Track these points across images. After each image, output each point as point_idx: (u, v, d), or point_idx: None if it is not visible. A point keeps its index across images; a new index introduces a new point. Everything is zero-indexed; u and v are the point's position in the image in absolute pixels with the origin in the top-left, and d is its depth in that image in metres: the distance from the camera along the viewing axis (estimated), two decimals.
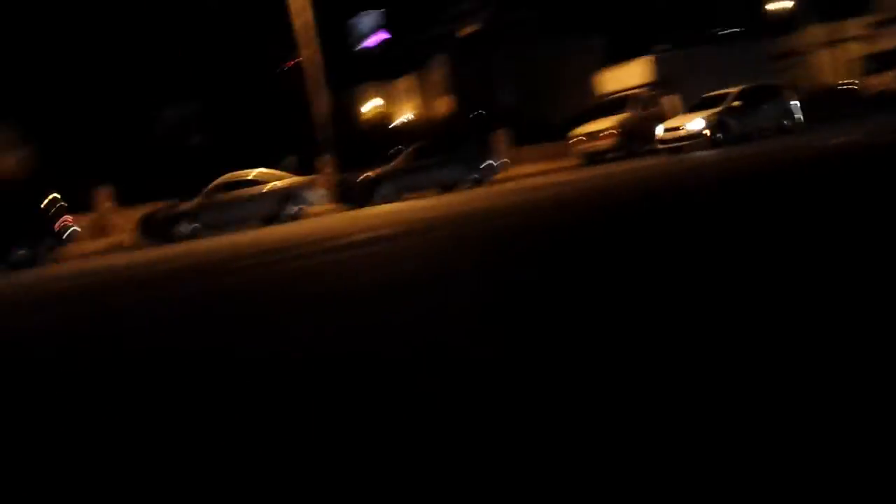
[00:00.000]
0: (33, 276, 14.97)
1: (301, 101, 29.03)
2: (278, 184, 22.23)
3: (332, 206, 23.99)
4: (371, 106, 46.47)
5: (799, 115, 24.73)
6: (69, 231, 18.67)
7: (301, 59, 28.19)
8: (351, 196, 23.54)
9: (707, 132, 22.61)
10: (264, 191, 21.87)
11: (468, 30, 45.02)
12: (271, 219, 21.61)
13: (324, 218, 21.14)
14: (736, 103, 23.35)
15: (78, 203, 22.15)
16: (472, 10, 45.33)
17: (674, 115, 25.81)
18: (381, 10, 56.80)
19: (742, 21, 48.46)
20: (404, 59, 47.10)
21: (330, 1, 33.00)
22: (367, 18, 56.58)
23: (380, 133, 41.85)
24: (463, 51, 43.12)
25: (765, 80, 26.08)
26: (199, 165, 28.89)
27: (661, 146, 23.87)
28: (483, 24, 44.31)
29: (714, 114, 23.00)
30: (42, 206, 18.52)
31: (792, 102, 24.92)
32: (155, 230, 20.62)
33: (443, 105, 42.47)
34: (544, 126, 34.39)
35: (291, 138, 34.10)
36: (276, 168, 24.28)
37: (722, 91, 24.33)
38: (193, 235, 20.37)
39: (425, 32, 47.69)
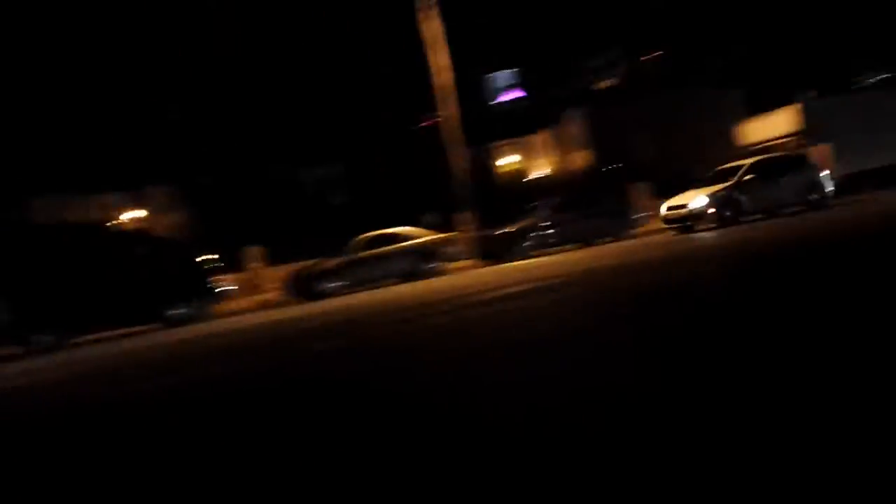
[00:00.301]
0: (194, 333, 15.61)
1: (439, 159, 29.55)
2: (418, 240, 22.53)
3: (472, 261, 24.08)
4: (508, 161, 46.79)
5: (829, 188, 21.80)
6: (224, 289, 19.45)
7: (440, 118, 28.73)
8: (490, 251, 23.58)
9: (712, 210, 20.45)
10: (405, 247, 22.18)
11: (604, 83, 44.84)
12: (412, 275, 21.86)
13: (464, 274, 21.21)
14: (748, 177, 20.90)
15: (230, 262, 23.15)
16: (608, 64, 45.19)
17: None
18: (516, 70, 57.59)
19: (890, 66, 46.24)
20: (540, 115, 47.37)
21: (466, 58, 33.65)
22: (503, 75, 57.40)
23: (517, 188, 41.97)
24: (599, 104, 42.95)
25: (787, 151, 23.11)
26: (343, 224, 29.73)
27: (666, 225, 22.06)
28: (619, 78, 44.05)
29: (721, 190, 20.75)
30: (198, 265, 19.41)
31: (820, 173, 21.96)
32: (302, 287, 21.23)
33: (579, 159, 42.26)
34: (685, 178, 33.56)
35: (431, 195, 34.66)
36: (416, 225, 24.66)
37: (736, 163, 22.01)
38: (338, 292, 20.85)
39: (560, 87, 47.88)
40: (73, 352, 16.02)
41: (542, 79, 53.27)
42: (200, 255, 19.84)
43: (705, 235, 18.53)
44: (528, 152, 47.40)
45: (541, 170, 46.28)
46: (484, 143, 44.87)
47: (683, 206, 21.03)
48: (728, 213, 20.42)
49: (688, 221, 20.96)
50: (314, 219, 33.33)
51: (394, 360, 7.13)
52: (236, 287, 20.87)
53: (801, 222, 16.97)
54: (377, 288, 20.90)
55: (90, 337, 18.14)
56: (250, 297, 23.90)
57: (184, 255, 20.22)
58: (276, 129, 38.95)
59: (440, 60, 26.95)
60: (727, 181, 21.04)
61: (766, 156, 22.14)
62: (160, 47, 37.12)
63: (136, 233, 26.60)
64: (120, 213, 29.67)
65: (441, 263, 22.32)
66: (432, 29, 26.71)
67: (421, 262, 22.08)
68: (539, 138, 46.96)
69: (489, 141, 46.31)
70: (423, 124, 42.92)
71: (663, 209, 21.86)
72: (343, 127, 42.25)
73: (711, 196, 20.58)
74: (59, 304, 17.57)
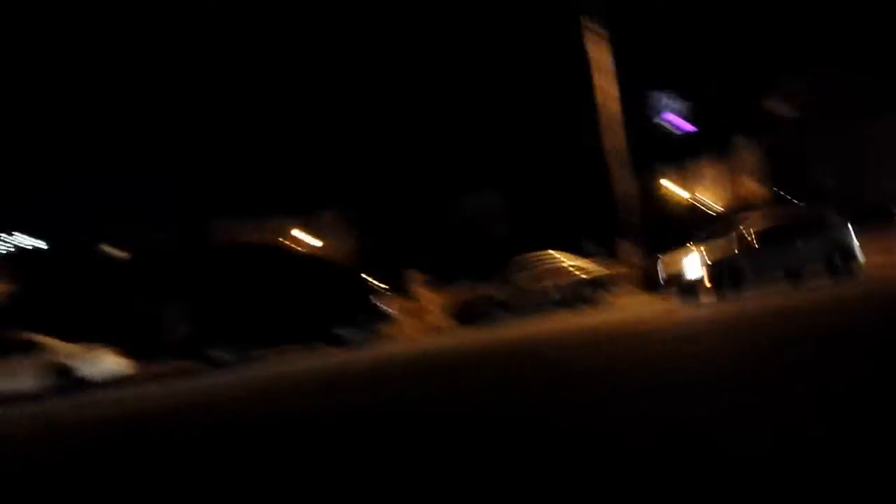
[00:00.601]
0: (361, 354, 16.00)
1: (601, 185, 29.16)
2: (579, 269, 22.23)
3: (634, 292, 23.52)
4: (673, 188, 45.61)
5: (856, 250, 18.20)
6: (387, 314, 19.88)
7: (604, 144, 28.37)
8: (653, 282, 22.95)
9: (706, 278, 17.63)
10: (565, 276, 21.93)
11: (779, 109, 42.95)
12: (573, 304, 21.56)
13: (625, 305, 20.70)
14: (752, 238, 18.00)
15: (395, 287, 23.66)
16: (787, 91, 43.26)
17: None
18: (683, 97, 56.16)
19: None
20: (709, 142, 45.95)
21: (633, 83, 33.07)
22: (669, 97, 56.13)
23: (682, 216, 40.79)
24: (773, 131, 41.12)
25: (805, 206, 20.35)
26: (503, 250, 29.81)
27: (669, 287, 19.37)
28: (796, 103, 42.06)
29: (719, 254, 18.03)
30: (366, 288, 19.95)
31: (846, 233, 18.31)
32: (464, 313, 21.41)
33: (750, 187, 40.58)
34: (873, 208, 31.51)
35: (592, 222, 34.23)
36: (577, 253, 24.36)
37: (744, 217, 19.19)
38: (500, 319, 20.84)
39: (731, 113, 46.27)
40: (247, 368, 16.77)
41: (711, 105, 51.68)
42: (368, 279, 20.39)
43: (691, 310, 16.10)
44: (695, 180, 46.02)
45: (708, 198, 44.79)
46: (649, 169, 43.91)
47: (678, 270, 18.41)
48: (727, 282, 17.55)
49: (684, 288, 18.34)
50: (475, 245, 33.65)
51: (564, 393, 6.99)
52: (398, 311, 21.29)
53: (812, 294, 14.45)
54: (537, 317, 20.73)
55: (263, 354, 18.92)
56: (414, 321, 24.32)
57: (353, 279, 20.81)
58: (440, 157, 39.73)
59: (606, 86, 26.63)
60: (730, 240, 18.33)
61: (778, 213, 19.36)
62: (334, 82, 38.72)
63: (309, 255, 27.74)
64: (294, 237, 31.02)
65: (602, 293, 21.91)
66: (599, 53, 26.44)
67: (582, 291, 21.76)
68: (708, 165, 45.52)
69: (654, 167, 45.29)
70: (587, 150, 42.53)
71: (660, 269, 19.41)
72: (504, 154, 42.53)
73: (706, 262, 17.82)
74: (235, 322, 18.47)
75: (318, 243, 31.88)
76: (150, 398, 13.14)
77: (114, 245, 30.68)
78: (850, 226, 18.43)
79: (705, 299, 17.64)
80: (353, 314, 19.21)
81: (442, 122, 41.73)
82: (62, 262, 29.41)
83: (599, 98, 26.91)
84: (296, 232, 32.14)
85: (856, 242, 18.21)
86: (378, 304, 19.77)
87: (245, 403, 10.16)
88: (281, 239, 30.88)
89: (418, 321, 24.33)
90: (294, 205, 33.54)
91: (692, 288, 18.05)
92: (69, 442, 9.16)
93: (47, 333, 18.25)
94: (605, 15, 26.35)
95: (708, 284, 17.53)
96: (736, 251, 17.88)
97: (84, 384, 17.03)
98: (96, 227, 31.33)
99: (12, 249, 32.06)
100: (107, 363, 17.79)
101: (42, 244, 32.63)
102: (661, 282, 19.38)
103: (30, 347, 17.55)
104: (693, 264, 17.97)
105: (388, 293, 20.77)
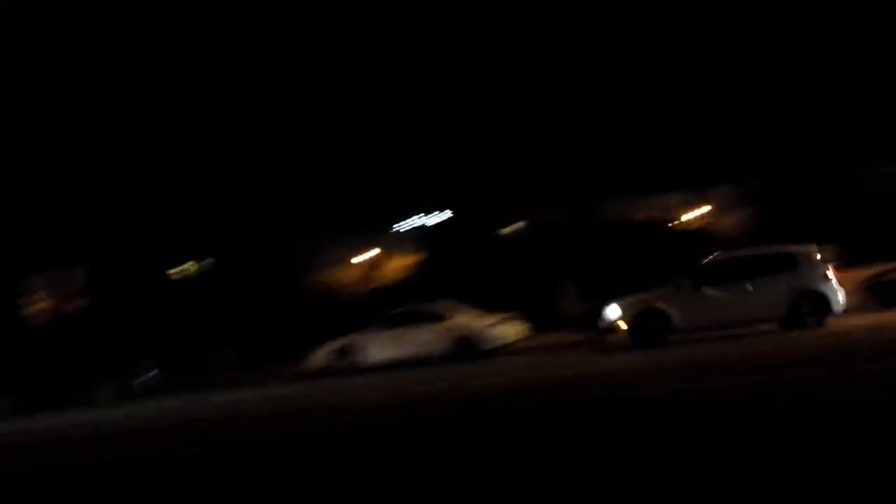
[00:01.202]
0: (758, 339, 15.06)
1: None
2: None
3: None
4: None
5: (837, 299, 14.89)
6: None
7: None
8: None
9: (623, 325, 15.12)
10: None
11: None
12: None
13: None
14: (687, 282, 15.16)
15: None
16: None
17: None
18: None
19: None
20: None
21: None
22: None
23: None
24: None
25: (772, 245, 16.23)
26: None
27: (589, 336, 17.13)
28: None
29: (643, 299, 15.34)
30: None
31: (820, 277, 14.98)
32: (883, 293, 19.04)
33: None
34: None
35: None
36: None
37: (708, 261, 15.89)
38: None
39: None
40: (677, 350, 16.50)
41: None
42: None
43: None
44: None
45: None
46: None
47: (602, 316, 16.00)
48: (648, 331, 14.98)
49: (599, 332, 16.13)
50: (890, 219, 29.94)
51: None
52: None
53: (748, 348, 12.41)
54: None
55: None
56: None
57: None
58: (846, 120, 36.09)
59: None
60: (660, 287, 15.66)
61: (727, 254, 16.06)
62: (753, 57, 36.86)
63: (700, 233, 26.86)
64: (687, 214, 30.09)
65: None
66: None
67: None
68: None
69: None
70: None
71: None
72: None
73: (626, 306, 15.37)
74: None
75: (709, 219, 30.65)
76: (547, 367, 13.54)
77: (509, 221, 32.17)
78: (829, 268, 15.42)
79: (613, 347, 15.37)
80: None
81: (846, 83, 37.90)
82: (466, 236, 31.46)
83: None
84: (686, 209, 31.17)
85: (835, 290, 15.04)
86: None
87: (647, 378, 9.98)
88: (673, 216, 30.18)
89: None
90: (687, 180, 32.54)
91: (607, 332, 15.71)
92: (473, 404, 9.66)
93: (453, 303, 19.52)
94: None
95: (622, 327, 15.21)
96: (663, 296, 15.29)
97: (485, 352, 17.94)
98: (491, 202, 33.08)
99: (421, 225, 34.99)
100: (506, 332, 18.60)
101: (446, 217, 35.21)
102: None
103: (437, 317, 18.92)
104: (611, 309, 15.59)
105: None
